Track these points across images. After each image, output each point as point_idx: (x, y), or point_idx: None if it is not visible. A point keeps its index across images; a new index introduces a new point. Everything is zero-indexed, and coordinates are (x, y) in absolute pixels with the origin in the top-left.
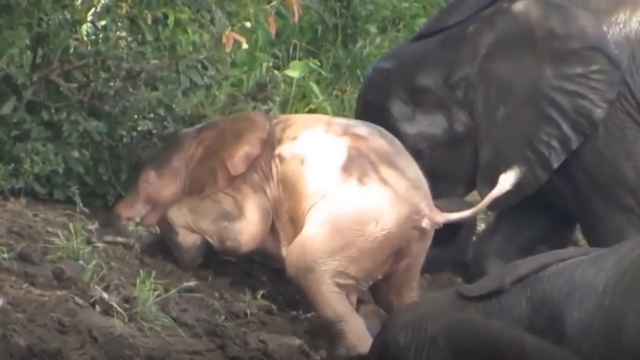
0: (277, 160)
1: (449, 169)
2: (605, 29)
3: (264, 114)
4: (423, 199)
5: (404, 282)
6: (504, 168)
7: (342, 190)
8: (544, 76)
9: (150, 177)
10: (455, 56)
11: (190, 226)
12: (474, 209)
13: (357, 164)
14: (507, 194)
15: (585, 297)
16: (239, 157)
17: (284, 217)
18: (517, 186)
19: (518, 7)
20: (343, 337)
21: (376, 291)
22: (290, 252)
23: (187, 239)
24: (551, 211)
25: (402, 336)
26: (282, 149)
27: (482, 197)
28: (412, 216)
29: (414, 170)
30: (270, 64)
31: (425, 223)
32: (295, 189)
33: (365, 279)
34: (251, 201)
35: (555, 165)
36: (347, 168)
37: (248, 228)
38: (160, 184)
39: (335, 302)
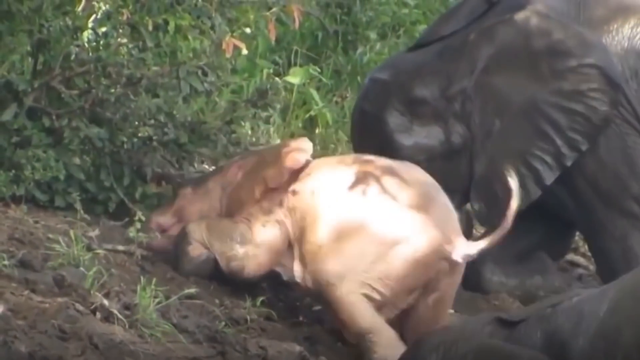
0: (291, 195)
1: (445, 181)
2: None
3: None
4: (453, 229)
5: (426, 321)
6: (498, 182)
7: (364, 205)
8: (542, 92)
9: (186, 192)
10: (453, 68)
11: (204, 242)
12: (500, 230)
13: (364, 181)
14: (499, 211)
15: (590, 324)
16: (278, 169)
17: (303, 248)
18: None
19: (518, 21)
20: (372, 351)
21: (396, 327)
22: (318, 265)
23: (196, 250)
24: (549, 218)
25: (432, 357)
26: (298, 185)
27: (474, 209)
28: (443, 244)
29: (442, 198)
30: (271, 70)
31: (456, 254)
32: (309, 219)
33: (393, 301)
34: (266, 230)
35: (549, 182)
36: (356, 187)
37: (255, 255)
38: (191, 200)
39: (364, 312)
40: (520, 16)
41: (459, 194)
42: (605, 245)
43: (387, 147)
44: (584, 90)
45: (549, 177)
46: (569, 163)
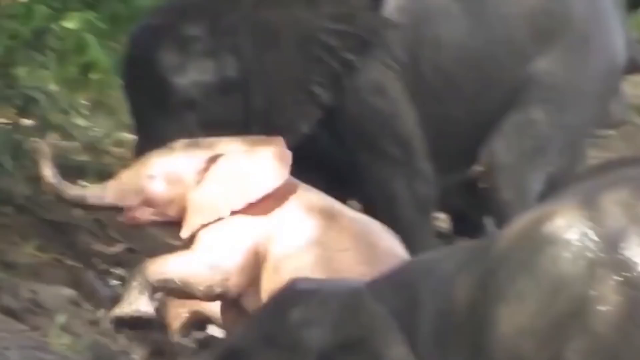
0: None
1: (224, 115)
2: None
3: None
4: None
5: None
6: (277, 113)
7: None
8: (312, 19)
9: None
10: (221, 4)
11: None
12: None
13: None
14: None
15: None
16: None
17: None
18: (293, 126)
19: None
20: None
21: None
22: None
23: None
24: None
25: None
26: None
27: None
28: None
29: None
30: None
31: None
32: None
33: None
34: None
35: (329, 103)
36: None
37: None
38: None
39: None
40: None
41: (239, 129)
42: (368, 191)
43: (162, 89)
44: (350, 12)
45: (328, 98)
46: (346, 83)
